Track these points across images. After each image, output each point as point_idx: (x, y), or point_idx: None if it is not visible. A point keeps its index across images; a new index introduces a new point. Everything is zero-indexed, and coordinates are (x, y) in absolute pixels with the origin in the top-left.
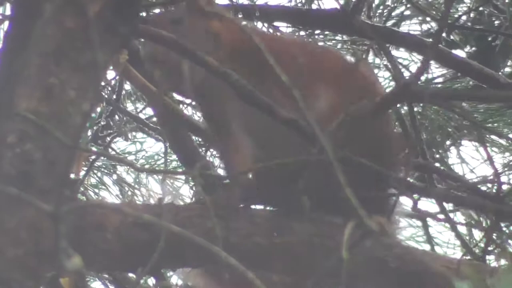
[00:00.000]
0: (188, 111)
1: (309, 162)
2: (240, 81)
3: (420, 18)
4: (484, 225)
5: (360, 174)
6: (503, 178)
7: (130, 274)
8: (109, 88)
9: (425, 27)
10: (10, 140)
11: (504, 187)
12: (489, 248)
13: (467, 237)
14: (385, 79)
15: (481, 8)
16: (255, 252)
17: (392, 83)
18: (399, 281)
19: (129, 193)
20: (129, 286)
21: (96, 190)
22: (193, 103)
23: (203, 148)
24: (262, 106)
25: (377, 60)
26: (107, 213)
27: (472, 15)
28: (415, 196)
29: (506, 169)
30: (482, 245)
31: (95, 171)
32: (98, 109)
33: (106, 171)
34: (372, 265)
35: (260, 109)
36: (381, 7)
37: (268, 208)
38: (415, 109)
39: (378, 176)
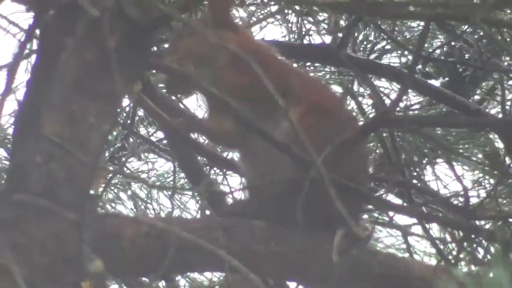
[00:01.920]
0: (194, 134)
1: (303, 181)
2: (239, 108)
3: (399, 51)
4: (456, 235)
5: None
6: (473, 193)
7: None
8: (124, 114)
9: (403, 59)
10: (37, 160)
11: (475, 200)
12: (461, 256)
13: (441, 245)
14: (368, 106)
15: (453, 43)
16: (254, 259)
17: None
18: (384, 285)
19: (142, 207)
20: None
21: (113, 204)
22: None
23: (208, 167)
24: (258, 131)
25: (361, 89)
26: (123, 224)
27: (445, 49)
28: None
29: (475, 185)
30: (455, 253)
31: (112, 188)
32: (115, 133)
33: (121, 187)
34: (358, 270)
35: (256, 133)
36: (365, 42)
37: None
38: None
39: (360, 195)
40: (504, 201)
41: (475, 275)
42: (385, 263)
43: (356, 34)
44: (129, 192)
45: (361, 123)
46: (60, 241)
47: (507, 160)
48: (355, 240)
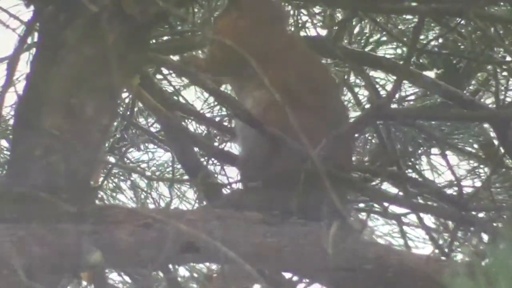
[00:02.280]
0: (192, 126)
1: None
2: (236, 102)
3: (394, 44)
4: (449, 225)
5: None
6: (468, 182)
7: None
8: (124, 105)
9: (399, 51)
10: (37, 153)
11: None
12: (454, 245)
13: (435, 235)
14: (364, 97)
15: (447, 35)
16: (250, 250)
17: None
18: (377, 276)
19: (142, 196)
20: (141, 277)
21: (114, 194)
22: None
23: (205, 158)
24: (253, 123)
25: (358, 80)
26: (122, 216)
27: (440, 40)
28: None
29: (469, 174)
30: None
31: (112, 178)
32: (114, 124)
33: (122, 177)
34: (351, 262)
35: (251, 126)
36: (359, 37)
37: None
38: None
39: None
40: (498, 189)
41: (481, 254)
42: (378, 254)
43: (351, 27)
44: (129, 182)
45: (352, 114)
46: (60, 233)
47: (501, 150)
48: (349, 231)
